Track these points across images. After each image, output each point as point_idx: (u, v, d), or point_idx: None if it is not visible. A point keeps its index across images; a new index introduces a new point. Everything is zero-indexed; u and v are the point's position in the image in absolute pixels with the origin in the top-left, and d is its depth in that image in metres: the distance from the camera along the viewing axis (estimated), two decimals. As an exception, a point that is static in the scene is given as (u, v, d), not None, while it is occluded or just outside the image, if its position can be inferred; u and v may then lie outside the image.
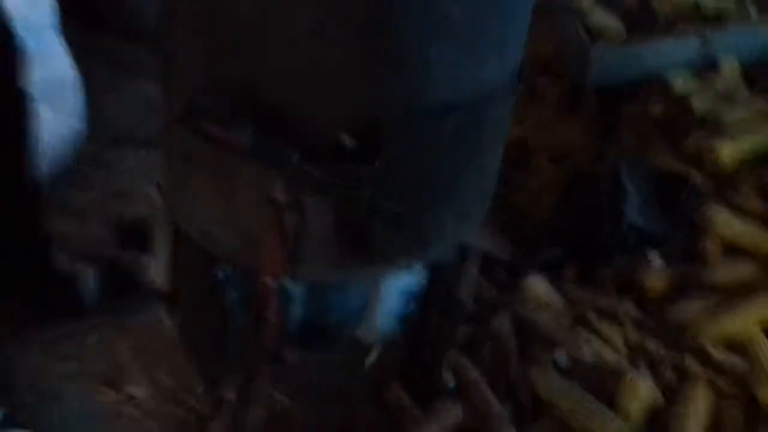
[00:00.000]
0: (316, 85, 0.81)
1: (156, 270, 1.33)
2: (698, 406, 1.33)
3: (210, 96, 0.80)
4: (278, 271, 0.80)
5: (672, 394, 1.37)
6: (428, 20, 0.78)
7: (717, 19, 1.98)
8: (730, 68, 1.90)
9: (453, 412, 1.19)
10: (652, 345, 1.43)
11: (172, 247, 1.16)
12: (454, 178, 0.89)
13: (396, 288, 1.09)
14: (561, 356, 1.38)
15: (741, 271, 1.58)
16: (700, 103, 1.82)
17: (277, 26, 0.78)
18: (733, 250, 1.64)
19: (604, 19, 1.98)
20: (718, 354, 1.37)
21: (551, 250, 1.82)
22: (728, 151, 1.70)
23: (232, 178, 0.88)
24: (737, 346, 1.43)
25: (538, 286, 1.61)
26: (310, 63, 0.79)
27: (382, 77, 0.81)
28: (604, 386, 1.34)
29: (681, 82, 1.86)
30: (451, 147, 0.87)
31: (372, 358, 1.18)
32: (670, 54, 1.91)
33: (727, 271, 1.57)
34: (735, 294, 1.54)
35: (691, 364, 1.39)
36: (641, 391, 1.31)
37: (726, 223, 1.62)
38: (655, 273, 1.62)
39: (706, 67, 1.91)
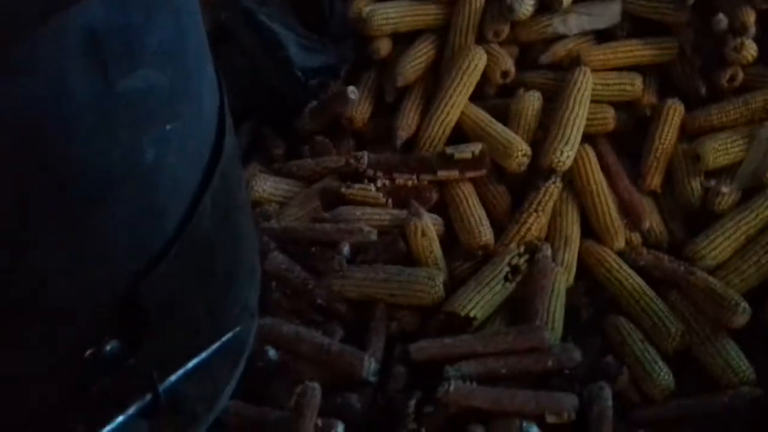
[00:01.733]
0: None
1: None
2: (469, 203, 1.38)
3: None
4: None
5: (444, 209, 1.40)
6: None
7: None
8: None
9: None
10: (403, 178, 1.40)
11: None
12: (229, 263, 0.66)
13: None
14: (346, 248, 1.29)
15: (421, 54, 1.57)
16: None
17: None
18: (399, 38, 1.61)
19: None
20: (458, 153, 1.39)
21: (244, 129, 1.64)
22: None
23: None
24: (466, 132, 1.47)
25: (263, 185, 1.46)
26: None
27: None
28: (396, 248, 1.31)
29: None
30: (208, 245, 0.62)
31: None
32: None
33: (410, 65, 1.55)
34: (430, 84, 1.55)
35: (443, 173, 1.40)
36: (429, 231, 1.31)
37: (381, 15, 1.56)
38: (355, 102, 1.54)
39: None
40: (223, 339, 0.67)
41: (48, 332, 0.54)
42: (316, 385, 1.08)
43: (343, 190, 1.40)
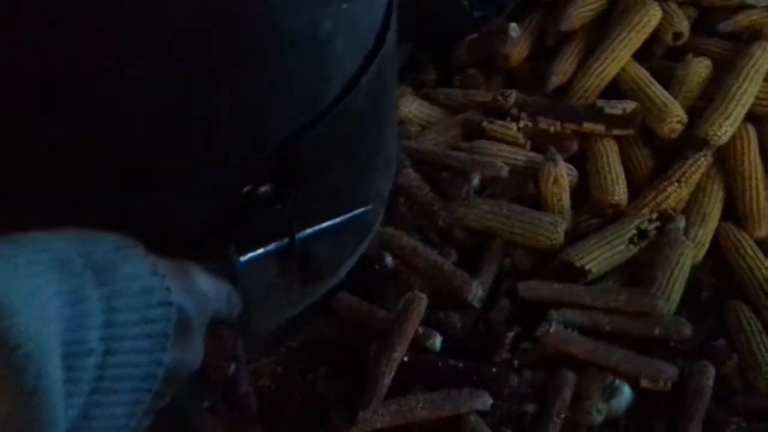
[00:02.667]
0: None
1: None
2: (609, 159, 1.36)
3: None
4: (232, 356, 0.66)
5: (583, 161, 1.39)
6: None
7: None
8: None
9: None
10: (546, 123, 1.40)
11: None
12: (372, 145, 0.72)
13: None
14: (476, 180, 1.33)
15: (593, 2, 1.53)
16: None
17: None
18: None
19: None
20: (609, 107, 1.37)
21: (401, 49, 1.69)
22: None
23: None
24: (622, 89, 1.44)
25: (410, 105, 1.51)
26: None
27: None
28: (525, 189, 1.33)
29: None
30: (359, 121, 0.68)
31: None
32: None
33: (578, 11, 1.52)
34: (595, 34, 1.52)
35: (588, 125, 1.38)
36: (562, 179, 1.30)
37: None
38: (515, 41, 1.54)
39: None
40: (355, 212, 0.73)
41: (219, 168, 0.62)
42: (424, 295, 1.13)
43: (485, 124, 1.41)
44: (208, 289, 0.54)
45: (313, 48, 0.58)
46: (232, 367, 0.67)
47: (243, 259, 0.64)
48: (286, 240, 0.66)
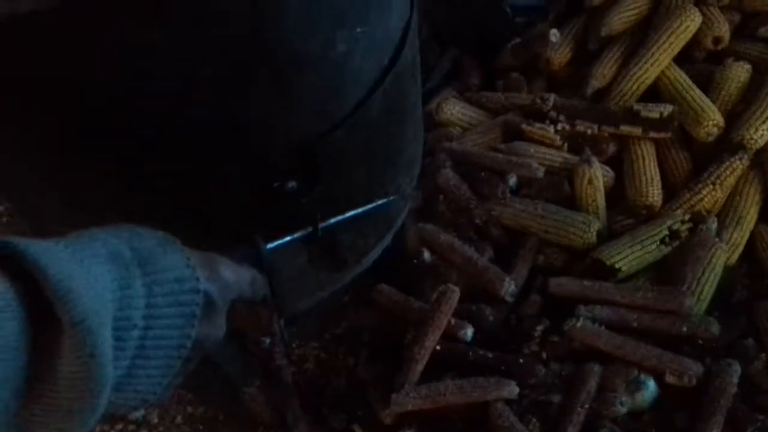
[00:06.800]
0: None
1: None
2: (645, 162, 1.39)
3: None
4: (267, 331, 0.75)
5: (620, 163, 1.42)
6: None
7: None
8: None
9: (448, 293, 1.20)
10: (584, 126, 1.44)
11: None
12: (391, 148, 0.80)
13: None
14: (512, 180, 1.38)
15: (634, 7, 1.56)
16: None
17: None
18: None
19: None
20: (646, 111, 1.40)
21: (448, 55, 1.76)
22: None
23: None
24: (661, 93, 1.46)
25: (452, 108, 1.57)
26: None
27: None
28: (561, 190, 1.37)
29: None
30: (376, 128, 0.76)
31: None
32: None
33: (619, 17, 1.55)
34: (636, 39, 1.55)
35: (625, 128, 1.42)
36: (597, 180, 1.35)
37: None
38: (557, 46, 1.59)
39: None
40: (374, 205, 0.81)
41: (253, 165, 0.72)
42: (457, 288, 1.20)
43: (524, 126, 1.47)
44: (232, 277, 0.65)
45: (327, 67, 0.67)
46: (268, 341, 0.76)
47: (270, 246, 0.72)
48: (310, 229, 0.75)
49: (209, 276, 0.62)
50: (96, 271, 0.55)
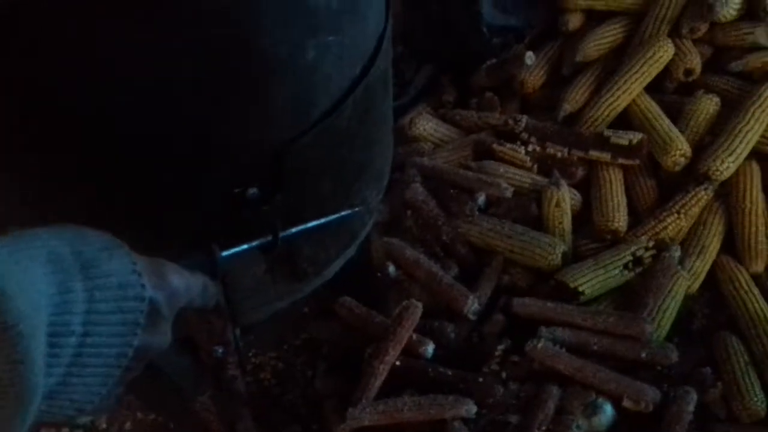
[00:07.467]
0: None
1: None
2: (612, 187, 1.40)
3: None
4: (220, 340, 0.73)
5: (588, 187, 1.43)
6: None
7: None
8: None
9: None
10: (554, 149, 1.45)
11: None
12: (359, 159, 0.79)
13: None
14: (481, 198, 1.38)
15: (609, 35, 1.58)
16: None
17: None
18: (593, 15, 1.64)
19: None
20: (616, 137, 1.41)
21: (424, 72, 1.76)
22: None
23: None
24: (631, 121, 1.48)
25: (425, 124, 1.57)
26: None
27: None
28: (528, 211, 1.38)
29: None
30: (345, 137, 0.75)
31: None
32: None
33: (594, 44, 1.57)
34: (609, 66, 1.57)
35: (594, 153, 1.43)
36: (564, 203, 1.36)
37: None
38: (532, 69, 1.60)
39: None
40: (337, 216, 0.80)
41: (213, 169, 0.70)
42: (419, 304, 1.19)
43: (495, 146, 1.47)
44: (180, 284, 0.63)
45: (296, 73, 0.66)
46: (221, 350, 0.74)
47: (226, 253, 0.70)
48: (269, 238, 0.73)
49: (156, 283, 0.60)
50: (33, 273, 0.52)
